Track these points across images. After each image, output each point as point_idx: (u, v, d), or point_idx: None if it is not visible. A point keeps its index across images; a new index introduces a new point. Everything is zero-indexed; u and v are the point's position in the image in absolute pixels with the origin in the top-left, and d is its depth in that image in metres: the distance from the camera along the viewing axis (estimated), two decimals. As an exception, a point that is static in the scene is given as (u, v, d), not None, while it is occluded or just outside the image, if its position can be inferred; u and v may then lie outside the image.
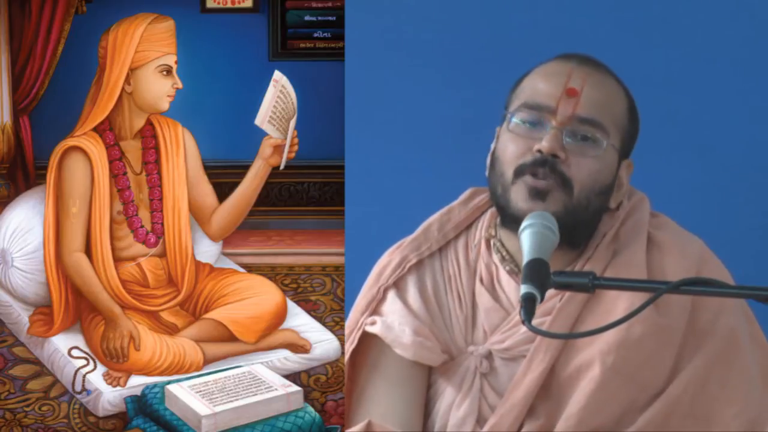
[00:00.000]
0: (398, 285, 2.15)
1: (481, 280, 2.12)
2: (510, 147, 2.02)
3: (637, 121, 2.09)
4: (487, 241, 2.13)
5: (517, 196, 2.00)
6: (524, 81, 2.08)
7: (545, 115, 2.00)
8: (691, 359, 1.98)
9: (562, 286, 1.89)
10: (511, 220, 2.02)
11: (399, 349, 2.11)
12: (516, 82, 2.10)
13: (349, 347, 2.15)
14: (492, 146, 2.11)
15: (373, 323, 2.13)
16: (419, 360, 2.10)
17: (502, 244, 2.10)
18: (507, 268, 2.09)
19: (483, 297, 2.11)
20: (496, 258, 2.11)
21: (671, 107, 2.75)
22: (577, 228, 2.02)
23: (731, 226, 2.68)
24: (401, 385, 2.12)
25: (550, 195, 1.98)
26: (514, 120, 2.02)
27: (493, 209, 2.14)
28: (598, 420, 1.98)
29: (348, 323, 2.18)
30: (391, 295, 2.15)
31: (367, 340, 2.14)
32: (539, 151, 1.98)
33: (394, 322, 2.12)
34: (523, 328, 2.02)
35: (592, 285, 1.85)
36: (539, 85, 2.03)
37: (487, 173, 2.11)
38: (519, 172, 2.00)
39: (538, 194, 1.97)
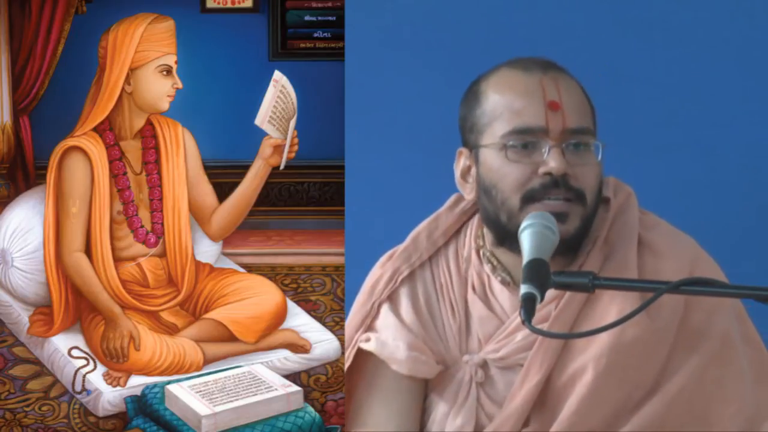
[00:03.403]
0: (391, 298, 2.15)
1: (474, 289, 2.11)
2: (511, 174, 1.99)
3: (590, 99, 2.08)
4: (477, 251, 2.13)
5: None
6: (487, 102, 2.03)
7: (538, 136, 1.98)
8: (686, 359, 1.98)
9: (562, 286, 1.89)
10: (513, 241, 2.00)
11: (394, 364, 2.11)
12: (468, 102, 2.06)
13: (347, 364, 2.16)
14: (457, 171, 2.09)
15: (367, 340, 2.13)
16: (415, 374, 2.10)
17: (493, 254, 2.10)
18: (499, 278, 2.08)
19: (476, 305, 2.10)
20: (486, 268, 2.10)
21: (671, 107, 2.75)
22: (585, 232, 2.02)
23: (731, 225, 2.68)
24: (398, 399, 2.12)
25: (569, 216, 1.97)
26: (510, 147, 1.99)
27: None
28: (591, 422, 1.98)
29: (345, 339, 2.18)
30: (385, 309, 2.15)
31: (362, 356, 2.14)
32: (548, 173, 1.97)
33: (389, 338, 2.11)
34: (519, 337, 2.03)
35: (592, 285, 1.85)
36: (515, 105, 2.00)
37: (469, 197, 2.08)
38: (529, 199, 1.98)
39: (558, 217, 1.96)
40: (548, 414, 2.01)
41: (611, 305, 1.98)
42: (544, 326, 2.01)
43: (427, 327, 2.12)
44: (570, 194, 1.97)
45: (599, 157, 2.00)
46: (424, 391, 2.13)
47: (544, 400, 2.01)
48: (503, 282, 2.07)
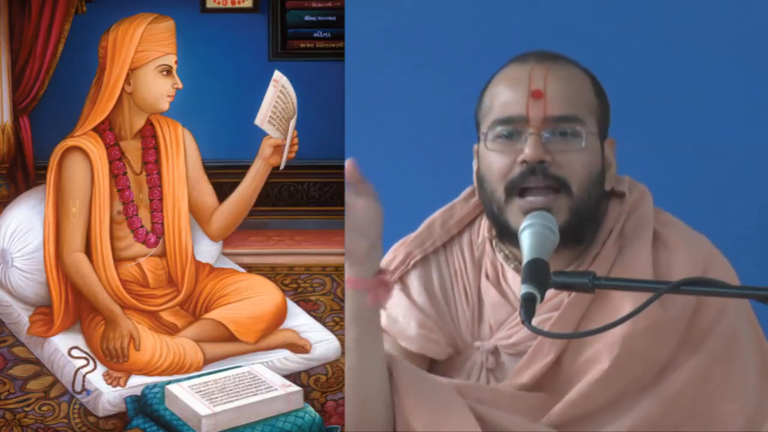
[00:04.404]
0: (402, 280, 2.17)
1: (487, 276, 2.12)
2: (494, 164, 2.01)
3: (606, 97, 2.08)
4: (490, 241, 2.14)
5: (514, 217, 1.99)
6: (486, 95, 2.07)
7: (519, 125, 1.99)
8: (691, 356, 1.98)
9: (562, 287, 1.89)
10: (512, 239, 2.01)
11: (404, 341, 2.12)
12: (479, 96, 2.09)
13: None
14: (474, 166, 2.12)
15: None
16: (424, 352, 2.11)
17: (504, 245, 2.11)
18: (512, 265, 2.09)
19: (489, 292, 2.11)
20: (500, 256, 2.11)
21: (671, 107, 2.75)
22: (583, 224, 2.02)
23: (731, 225, 2.68)
24: None
25: (552, 211, 1.97)
26: (491, 137, 2.02)
27: None
28: (592, 406, 1.98)
29: None
30: (396, 290, 2.15)
31: None
32: (524, 161, 1.97)
33: (399, 316, 2.13)
34: None
35: (592, 285, 1.85)
36: (503, 96, 2.02)
37: (477, 193, 2.11)
38: (511, 189, 1.99)
39: None
40: (555, 397, 2.00)
41: (625, 298, 1.96)
42: (554, 315, 2.01)
43: (440, 311, 2.13)
44: (549, 182, 1.97)
45: (582, 144, 1.99)
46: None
47: (555, 384, 2.01)
48: (516, 269, 2.08)
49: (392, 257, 2.18)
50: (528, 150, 1.97)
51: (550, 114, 1.98)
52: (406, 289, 2.15)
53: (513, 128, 2.00)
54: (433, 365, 2.14)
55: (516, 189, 1.99)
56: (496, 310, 2.09)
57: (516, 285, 2.08)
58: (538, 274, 1.86)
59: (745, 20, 2.75)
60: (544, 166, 1.97)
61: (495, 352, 2.08)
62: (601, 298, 2.01)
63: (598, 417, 1.98)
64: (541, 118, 1.98)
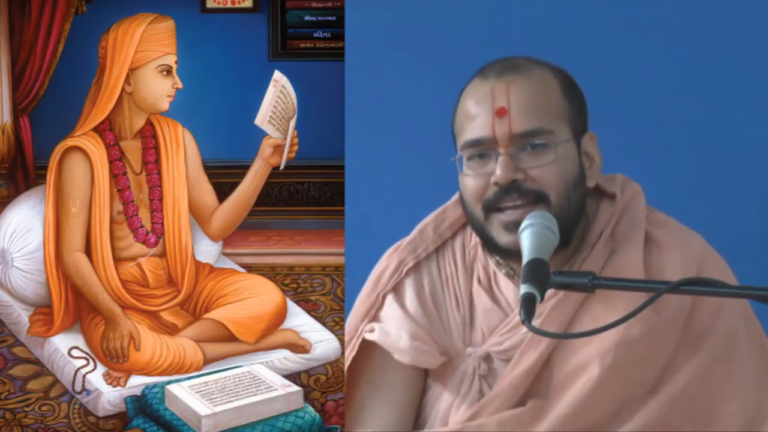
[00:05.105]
0: (396, 289, 2.16)
1: (479, 281, 2.12)
2: (469, 187, 2.02)
3: (578, 95, 2.06)
4: (482, 246, 2.13)
5: (497, 232, 2.00)
6: (458, 111, 2.07)
7: (488, 145, 1.99)
8: (691, 357, 1.98)
9: (562, 286, 1.89)
10: (500, 252, 2.03)
11: (397, 354, 2.12)
12: (453, 110, 2.09)
13: (349, 355, 2.16)
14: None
15: (371, 330, 2.14)
16: (417, 364, 2.11)
17: (493, 255, 2.10)
18: (503, 271, 2.09)
19: (481, 298, 2.10)
20: (492, 262, 2.11)
21: (671, 107, 2.75)
22: (568, 228, 2.01)
23: (731, 225, 2.68)
24: (399, 390, 2.13)
25: None
26: (464, 160, 2.02)
27: None
28: (593, 417, 1.98)
29: (347, 330, 2.19)
30: (389, 300, 2.15)
31: (365, 347, 2.15)
32: (496, 183, 1.98)
33: (392, 328, 2.12)
34: (522, 330, 2.03)
35: (591, 285, 1.85)
36: (470, 115, 2.02)
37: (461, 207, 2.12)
38: (488, 208, 2.00)
39: (516, 226, 1.96)
40: (544, 402, 2.00)
41: (617, 300, 1.95)
42: (539, 321, 2.01)
43: (431, 318, 2.13)
44: (525, 198, 1.97)
45: (553, 156, 1.98)
46: (423, 382, 2.14)
47: (546, 389, 2.01)
48: (508, 275, 2.08)
49: (385, 265, 2.18)
50: (498, 172, 1.97)
51: (516, 131, 1.98)
52: (399, 299, 2.15)
53: (483, 149, 2.00)
54: (427, 372, 2.14)
55: (493, 208, 2.00)
56: (488, 316, 2.09)
57: (508, 291, 2.08)
58: (538, 274, 1.86)
59: (745, 20, 2.75)
60: (518, 184, 1.98)
61: (487, 358, 2.08)
62: (592, 300, 2.00)
63: (603, 425, 1.98)
64: (508, 137, 1.98)
